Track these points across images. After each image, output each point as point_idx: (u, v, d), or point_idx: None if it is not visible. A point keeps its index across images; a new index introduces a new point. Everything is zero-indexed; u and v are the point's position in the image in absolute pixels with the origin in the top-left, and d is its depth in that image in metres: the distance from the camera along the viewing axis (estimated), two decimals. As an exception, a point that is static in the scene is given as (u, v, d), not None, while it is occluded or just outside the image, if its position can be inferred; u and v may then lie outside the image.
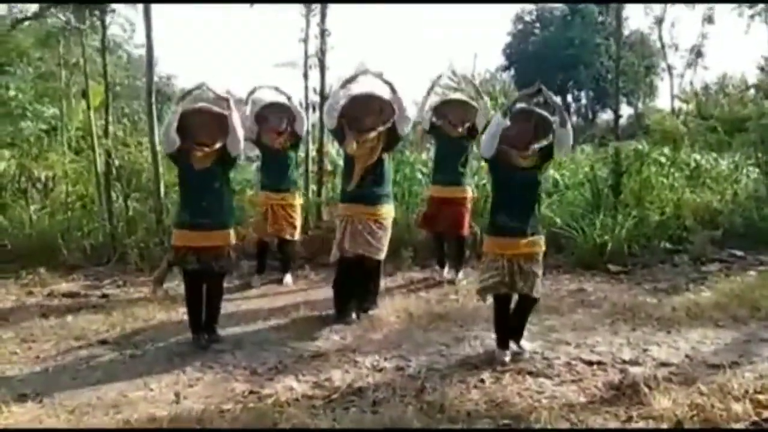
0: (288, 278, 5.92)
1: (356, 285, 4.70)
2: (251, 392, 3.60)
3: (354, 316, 4.67)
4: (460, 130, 5.59)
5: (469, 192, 5.79)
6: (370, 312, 4.88)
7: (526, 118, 3.79)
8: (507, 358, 3.87)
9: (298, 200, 5.86)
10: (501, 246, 3.80)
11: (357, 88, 4.42)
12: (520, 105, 3.83)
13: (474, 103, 5.68)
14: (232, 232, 4.21)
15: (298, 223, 5.77)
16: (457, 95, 5.80)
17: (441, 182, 5.67)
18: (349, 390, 3.60)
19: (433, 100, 5.84)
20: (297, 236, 5.78)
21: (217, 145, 4.04)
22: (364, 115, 4.37)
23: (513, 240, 3.76)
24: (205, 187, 4.02)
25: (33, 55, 10.33)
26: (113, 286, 6.03)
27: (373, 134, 4.37)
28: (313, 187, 7.24)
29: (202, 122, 4.01)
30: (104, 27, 7.16)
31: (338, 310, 4.65)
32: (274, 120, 5.53)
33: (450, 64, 8.31)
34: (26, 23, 9.42)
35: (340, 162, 6.19)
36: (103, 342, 4.49)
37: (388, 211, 4.63)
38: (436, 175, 5.74)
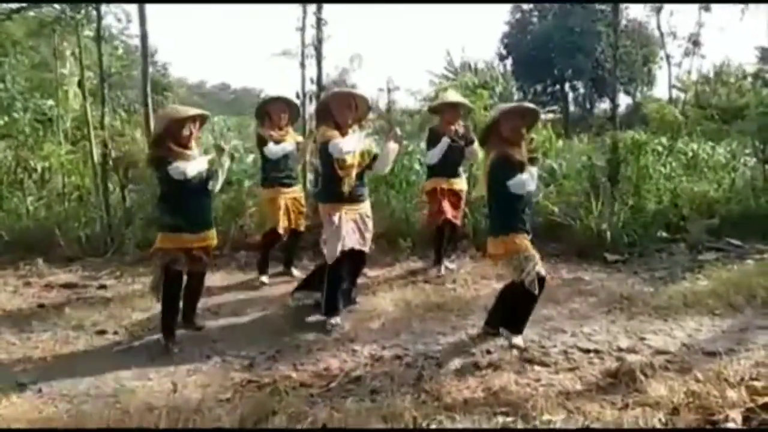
0: (295, 270, 6.01)
1: (346, 279, 4.75)
2: (249, 381, 3.61)
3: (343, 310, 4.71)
4: (460, 134, 5.69)
5: (465, 185, 5.96)
6: (358, 300, 4.98)
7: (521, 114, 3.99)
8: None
9: (301, 191, 6.01)
10: (528, 240, 3.93)
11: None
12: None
13: (462, 100, 5.85)
14: (214, 231, 4.41)
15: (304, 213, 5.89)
16: (451, 98, 5.83)
17: (442, 175, 5.73)
18: (347, 379, 3.62)
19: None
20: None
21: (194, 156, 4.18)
22: (343, 112, 4.47)
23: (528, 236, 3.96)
24: (195, 191, 4.15)
25: (26, 45, 10.24)
26: (111, 276, 6.03)
27: (350, 130, 4.49)
28: (309, 177, 7.23)
29: (175, 133, 4.09)
30: (99, 17, 7.10)
31: (333, 307, 4.55)
32: (275, 116, 5.56)
33: (447, 54, 8.30)
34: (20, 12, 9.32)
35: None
36: (101, 332, 4.51)
37: (369, 206, 4.79)
38: (436, 169, 5.75)
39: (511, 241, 3.89)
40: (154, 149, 4.18)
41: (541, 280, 3.90)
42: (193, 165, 4.05)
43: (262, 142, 5.55)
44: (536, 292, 3.87)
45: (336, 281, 4.53)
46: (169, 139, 4.07)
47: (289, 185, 5.65)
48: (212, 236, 4.34)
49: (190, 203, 4.13)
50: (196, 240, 4.20)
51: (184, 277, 4.27)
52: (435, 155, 5.66)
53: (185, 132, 4.09)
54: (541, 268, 3.89)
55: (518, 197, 3.86)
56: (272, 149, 5.49)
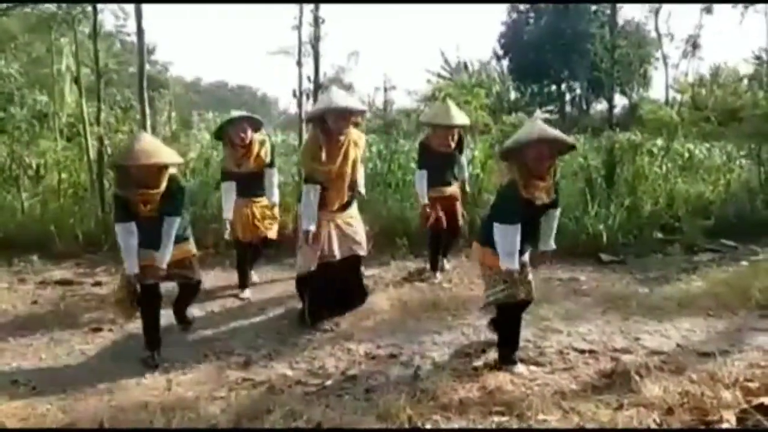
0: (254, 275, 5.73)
1: (337, 285, 4.59)
2: (245, 379, 3.61)
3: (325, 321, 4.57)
4: (452, 146, 5.65)
5: (458, 189, 5.86)
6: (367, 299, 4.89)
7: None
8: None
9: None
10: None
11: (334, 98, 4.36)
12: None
13: (461, 121, 5.72)
14: (191, 243, 4.17)
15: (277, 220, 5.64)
16: (443, 120, 5.75)
17: (431, 184, 5.61)
18: (342, 377, 3.62)
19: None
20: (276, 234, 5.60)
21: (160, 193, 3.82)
22: (338, 123, 4.33)
23: (520, 256, 3.55)
24: (155, 229, 3.82)
25: (23, 41, 10.21)
26: (106, 273, 6.00)
27: (342, 138, 4.37)
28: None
29: (143, 174, 3.75)
30: (95, 13, 7.08)
31: (313, 315, 4.48)
32: (236, 137, 5.11)
33: (442, 54, 8.31)
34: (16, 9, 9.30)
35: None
36: (96, 329, 4.49)
37: (355, 208, 4.68)
38: (429, 179, 5.69)
39: (488, 255, 3.62)
40: (116, 184, 3.93)
41: (508, 309, 3.62)
42: (128, 244, 3.74)
43: (222, 176, 5.33)
44: (490, 317, 3.63)
45: (317, 290, 4.46)
46: (126, 180, 3.78)
47: (260, 196, 5.36)
48: (184, 250, 4.06)
49: (146, 234, 3.81)
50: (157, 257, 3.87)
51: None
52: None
53: (142, 177, 3.74)
54: (510, 297, 3.56)
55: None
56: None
